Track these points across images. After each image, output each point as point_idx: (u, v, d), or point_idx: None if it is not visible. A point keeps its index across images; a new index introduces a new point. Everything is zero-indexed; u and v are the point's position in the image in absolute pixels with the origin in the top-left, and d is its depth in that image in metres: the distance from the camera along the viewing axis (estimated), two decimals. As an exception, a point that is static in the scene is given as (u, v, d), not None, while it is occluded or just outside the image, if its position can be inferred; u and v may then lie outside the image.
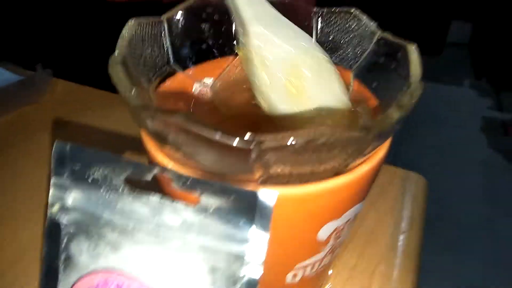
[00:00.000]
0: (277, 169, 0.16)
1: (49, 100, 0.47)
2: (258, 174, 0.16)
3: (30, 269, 0.30)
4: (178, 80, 0.23)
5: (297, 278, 0.24)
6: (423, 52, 0.20)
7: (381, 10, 0.71)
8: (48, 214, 0.18)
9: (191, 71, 0.24)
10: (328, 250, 0.23)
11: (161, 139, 0.17)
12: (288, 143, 0.14)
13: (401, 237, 0.36)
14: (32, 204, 0.35)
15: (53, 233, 0.19)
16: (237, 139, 0.14)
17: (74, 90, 0.49)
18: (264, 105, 0.23)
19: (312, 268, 0.24)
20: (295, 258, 0.22)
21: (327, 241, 0.22)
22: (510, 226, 1.43)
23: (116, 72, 0.17)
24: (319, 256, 0.23)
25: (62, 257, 0.19)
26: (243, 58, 0.22)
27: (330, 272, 0.32)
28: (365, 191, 0.21)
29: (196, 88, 0.24)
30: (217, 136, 0.14)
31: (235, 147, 0.14)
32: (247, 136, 0.14)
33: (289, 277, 0.24)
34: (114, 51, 0.19)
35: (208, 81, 0.24)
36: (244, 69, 0.23)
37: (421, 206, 0.40)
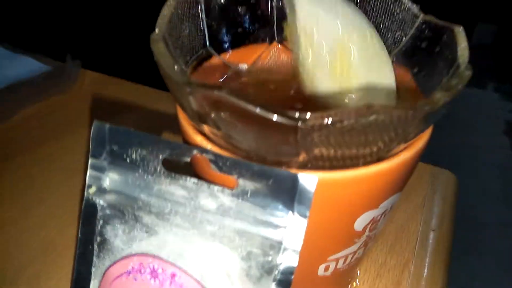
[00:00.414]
0: (321, 151, 0.15)
1: (78, 90, 0.48)
2: (301, 156, 0.16)
3: (42, 273, 0.29)
4: (213, 64, 0.23)
5: (329, 271, 0.24)
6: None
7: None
8: (85, 195, 0.18)
9: (226, 55, 0.24)
10: (362, 242, 0.22)
11: (200, 119, 0.17)
12: (337, 120, 0.13)
13: (432, 235, 0.36)
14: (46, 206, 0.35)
15: (89, 215, 0.19)
16: (285, 114, 0.13)
17: (104, 82, 0.49)
18: (307, 83, 0.22)
19: (345, 261, 0.23)
20: (330, 248, 0.21)
21: (363, 232, 0.21)
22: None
23: (159, 48, 0.16)
24: (353, 248, 0.22)
25: (97, 240, 0.19)
26: (290, 34, 0.22)
27: (358, 273, 0.31)
28: (404, 179, 0.20)
29: (230, 73, 0.24)
30: (263, 111, 0.13)
31: (280, 124, 0.14)
32: (295, 113, 0.13)
33: (321, 269, 0.23)
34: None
35: (243, 67, 0.24)
36: (290, 46, 0.23)
37: (452, 203, 0.39)
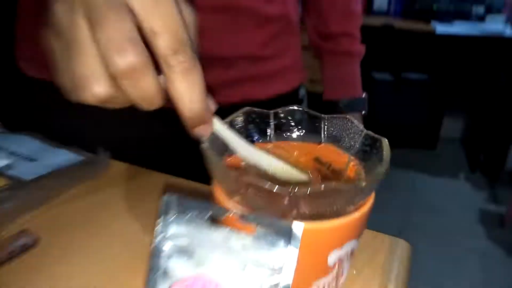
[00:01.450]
0: (304, 210, 0.27)
1: (108, 177, 0.59)
2: (293, 212, 0.27)
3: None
4: (234, 158, 0.36)
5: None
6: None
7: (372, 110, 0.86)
8: (155, 241, 0.29)
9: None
10: (334, 274, 0.33)
11: (232, 193, 0.29)
12: (313, 192, 0.25)
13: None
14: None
15: (156, 255, 0.29)
16: (284, 190, 0.25)
17: (130, 171, 0.61)
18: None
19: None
20: (313, 274, 0.32)
21: (334, 266, 0.32)
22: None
23: (211, 155, 0.29)
24: (328, 278, 0.33)
25: (162, 271, 0.29)
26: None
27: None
28: (359, 229, 0.32)
29: (244, 163, 0.37)
30: (276, 189, 0.25)
31: (281, 194, 0.26)
32: (289, 188, 0.25)
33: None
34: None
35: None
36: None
37: (406, 267, 0.49)
